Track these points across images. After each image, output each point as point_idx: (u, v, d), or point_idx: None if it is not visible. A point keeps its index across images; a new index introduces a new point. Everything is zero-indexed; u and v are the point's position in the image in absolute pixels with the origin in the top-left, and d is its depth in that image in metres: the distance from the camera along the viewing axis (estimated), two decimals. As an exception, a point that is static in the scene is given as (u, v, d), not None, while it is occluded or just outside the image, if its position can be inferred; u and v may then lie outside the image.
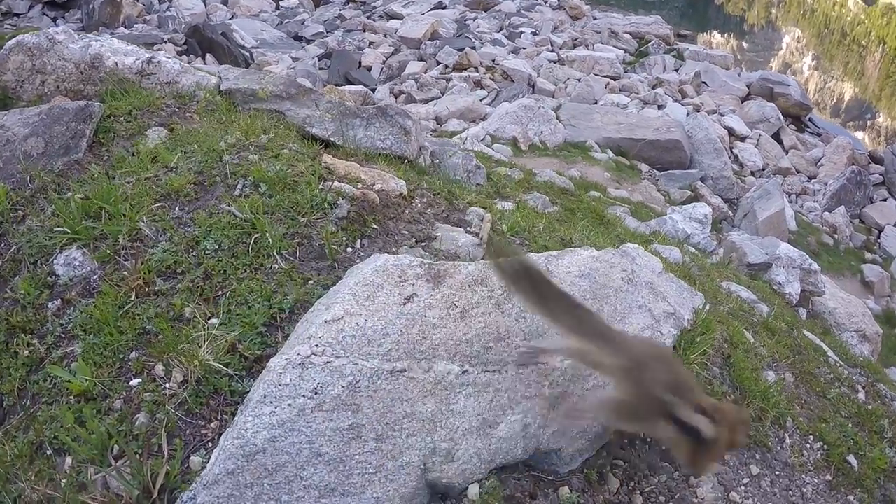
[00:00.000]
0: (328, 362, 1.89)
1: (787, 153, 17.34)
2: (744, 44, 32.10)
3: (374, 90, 17.00)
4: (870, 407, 3.37)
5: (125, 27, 22.79)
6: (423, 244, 2.70)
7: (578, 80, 16.56)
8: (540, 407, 1.87)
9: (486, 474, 1.79)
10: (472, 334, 2.00)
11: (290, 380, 1.87)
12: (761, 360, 3.07)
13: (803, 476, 2.64)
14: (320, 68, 18.93)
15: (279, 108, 4.61)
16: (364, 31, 20.75)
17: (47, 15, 23.60)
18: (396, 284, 2.11)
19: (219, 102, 4.17)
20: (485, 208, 3.34)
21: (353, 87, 16.69)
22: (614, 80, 17.17)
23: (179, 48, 21.76)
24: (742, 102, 18.35)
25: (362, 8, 23.70)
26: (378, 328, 1.99)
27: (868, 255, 16.25)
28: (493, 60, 17.18)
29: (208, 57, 21.31)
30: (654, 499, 2.05)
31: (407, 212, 2.96)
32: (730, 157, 15.48)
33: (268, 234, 2.57)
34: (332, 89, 16.52)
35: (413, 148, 5.00)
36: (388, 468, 1.74)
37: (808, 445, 2.82)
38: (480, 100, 15.58)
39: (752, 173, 15.44)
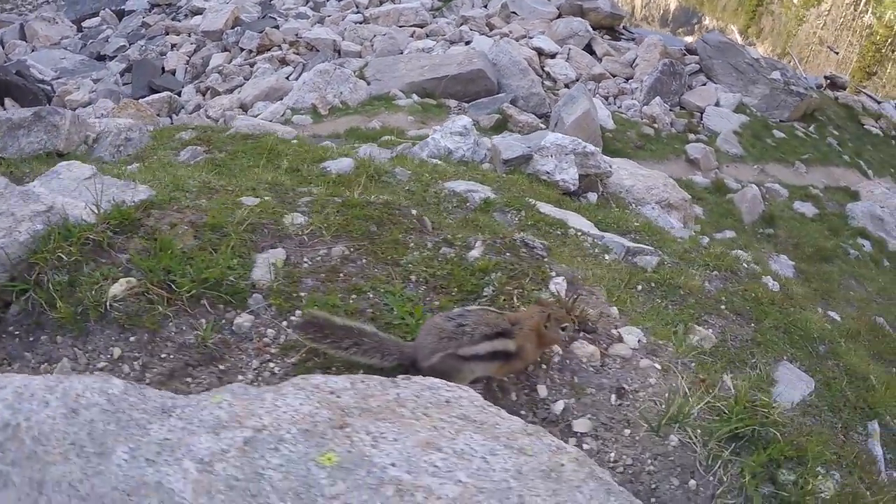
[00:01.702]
0: None
1: (600, 61, 17.98)
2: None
3: (179, 94, 16.14)
4: (480, 263, 3.05)
5: (-83, 94, 20.48)
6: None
7: (384, 35, 16.38)
8: None
9: None
10: None
11: None
12: (258, 241, 2.82)
13: (249, 358, 2.34)
14: (124, 83, 17.75)
15: (-43, 143, 5.33)
16: (167, 33, 19.61)
17: None
18: None
19: None
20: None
21: (155, 96, 15.76)
22: (421, 27, 17.10)
23: (-26, 99, 19.83)
24: (551, 23, 18.84)
25: (167, 11, 22.37)
26: None
27: (692, 136, 17.21)
28: (297, 34, 16.66)
29: (7, 101, 19.53)
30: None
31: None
32: (542, 76, 15.85)
33: None
34: (126, 104, 15.40)
35: (71, 140, 5.71)
36: None
37: (280, 325, 2.50)
38: (286, 77, 15.10)
39: (566, 85, 15.88)
